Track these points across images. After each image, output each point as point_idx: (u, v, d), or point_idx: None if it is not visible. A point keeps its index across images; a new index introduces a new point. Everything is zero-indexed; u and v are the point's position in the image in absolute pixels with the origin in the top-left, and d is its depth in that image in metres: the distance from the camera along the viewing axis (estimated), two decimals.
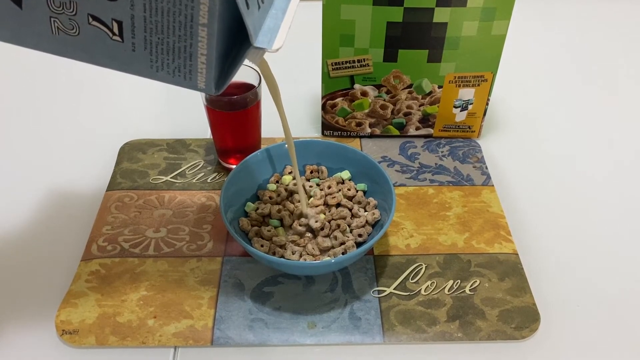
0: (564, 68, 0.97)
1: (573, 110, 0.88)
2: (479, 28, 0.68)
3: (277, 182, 0.69)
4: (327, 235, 0.63)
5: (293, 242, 0.63)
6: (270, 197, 0.67)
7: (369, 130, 0.80)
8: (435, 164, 0.76)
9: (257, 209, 0.66)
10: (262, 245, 0.61)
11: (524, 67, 0.96)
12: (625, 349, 0.57)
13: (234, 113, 0.70)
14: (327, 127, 0.80)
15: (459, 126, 0.79)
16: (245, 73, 0.70)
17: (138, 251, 0.65)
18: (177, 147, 0.79)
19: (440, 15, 0.67)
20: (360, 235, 0.63)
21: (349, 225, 0.64)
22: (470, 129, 0.79)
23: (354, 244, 0.62)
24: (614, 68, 0.97)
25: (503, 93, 0.85)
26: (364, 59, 0.72)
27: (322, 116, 0.79)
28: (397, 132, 0.80)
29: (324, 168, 0.70)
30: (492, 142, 0.81)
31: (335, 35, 0.70)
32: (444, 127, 0.79)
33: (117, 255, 0.64)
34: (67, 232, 0.68)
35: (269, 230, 0.63)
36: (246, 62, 0.63)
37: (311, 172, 0.70)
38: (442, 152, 0.78)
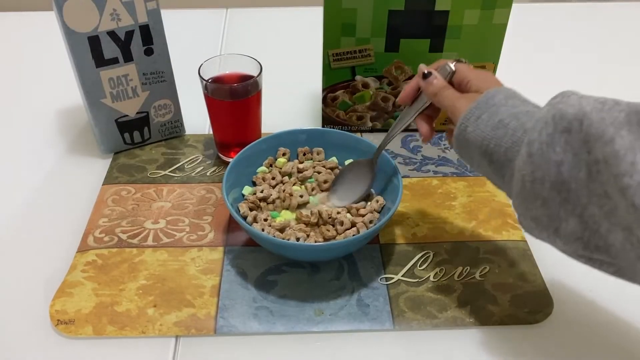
0: (566, 60, 0.97)
1: None
2: (480, 16, 0.68)
3: (271, 165, 0.68)
4: (332, 224, 0.61)
5: (297, 224, 0.61)
6: (264, 179, 0.66)
7: (370, 124, 0.79)
8: (438, 156, 0.75)
9: (255, 192, 0.64)
10: (262, 230, 0.59)
11: (525, 60, 0.96)
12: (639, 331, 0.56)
13: (235, 102, 0.69)
14: (327, 121, 0.79)
15: None
16: (245, 64, 0.69)
17: (136, 242, 0.63)
18: (175, 142, 0.78)
19: (442, 3, 0.67)
20: (370, 222, 0.61)
21: (357, 210, 0.62)
22: None
23: (365, 225, 0.60)
24: (619, 59, 0.97)
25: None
26: (365, 49, 0.72)
27: (323, 110, 0.78)
28: None
29: (320, 149, 0.69)
30: None
31: (337, 24, 0.69)
32: (446, 121, 0.78)
33: (115, 246, 0.62)
34: (62, 225, 0.65)
35: (265, 219, 0.61)
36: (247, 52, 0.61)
37: (304, 155, 0.69)
38: (444, 144, 0.77)
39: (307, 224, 0.61)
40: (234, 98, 0.69)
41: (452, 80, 0.53)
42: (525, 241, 0.64)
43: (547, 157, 0.41)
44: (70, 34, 0.64)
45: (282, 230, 0.60)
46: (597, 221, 0.40)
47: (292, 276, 0.60)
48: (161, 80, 0.72)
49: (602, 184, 0.38)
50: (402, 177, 0.63)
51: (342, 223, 0.60)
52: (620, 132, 0.36)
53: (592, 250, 0.41)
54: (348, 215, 0.62)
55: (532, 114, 0.44)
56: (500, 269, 0.61)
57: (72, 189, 0.70)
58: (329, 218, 0.61)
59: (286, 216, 0.62)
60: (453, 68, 0.52)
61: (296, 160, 0.69)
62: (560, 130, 0.40)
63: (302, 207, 0.63)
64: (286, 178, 0.67)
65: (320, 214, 0.60)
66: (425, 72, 0.53)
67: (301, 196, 0.63)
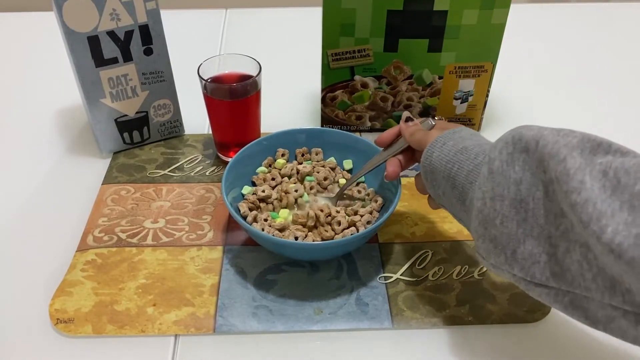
0: (563, 60, 0.97)
1: (572, 102, 0.88)
2: (479, 16, 0.69)
3: (270, 165, 0.68)
4: (329, 223, 0.61)
5: (295, 225, 0.61)
6: (265, 180, 0.66)
7: (369, 124, 0.79)
8: None
9: (254, 193, 0.64)
10: (262, 229, 0.60)
11: (523, 60, 0.97)
12: None
13: (234, 102, 0.69)
14: (326, 121, 0.79)
15: (459, 119, 0.79)
16: (244, 63, 0.69)
17: (136, 241, 0.63)
18: (175, 142, 0.78)
19: (441, 3, 0.67)
20: (368, 222, 0.61)
21: (355, 213, 0.62)
22: (470, 122, 0.79)
23: (364, 225, 0.60)
24: (616, 59, 0.98)
25: (502, 86, 0.85)
26: (364, 49, 0.72)
27: (322, 109, 0.78)
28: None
29: (319, 150, 0.69)
30: (492, 135, 0.80)
31: (336, 24, 0.69)
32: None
33: (114, 245, 0.62)
34: (62, 224, 0.66)
35: (265, 219, 0.61)
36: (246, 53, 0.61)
37: (302, 155, 0.69)
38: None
39: (304, 225, 0.61)
40: (233, 98, 0.69)
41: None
42: None
43: (507, 175, 0.43)
44: (69, 34, 0.64)
45: (281, 230, 0.60)
46: (553, 243, 0.41)
47: (291, 275, 0.60)
48: (160, 80, 0.72)
49: (557, 203, 0.40)
50: (401, 176, 0.63)
51: (339, 223, 0.60)
52: (572, 153, 0.38)
53: (548, 276, 0.42)
54: (346, 216, 0.62)
55: (492, 146, 0.46)
56: None
57: (72, 188, 0.71)
58: (328, 216, 0.61)
59: (284, 215, 0.62)
60: (433, 122, 0.56)
61: (295, 162, 0.69)
62: (520, 150, 0.43)
63: (298, 205, 0.64)
64: (286, 179, 0.67)
65: (317, 217, 0.60)
66: (408, 117, 0.58)
67: (296, 190, 0.63)
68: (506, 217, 0.43)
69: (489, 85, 0.76)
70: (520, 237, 0.42)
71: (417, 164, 0.58)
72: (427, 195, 0.57)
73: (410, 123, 0.57)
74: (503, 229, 0.43)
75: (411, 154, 0.58)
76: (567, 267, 0.40)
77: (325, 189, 0.66)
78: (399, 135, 0.59)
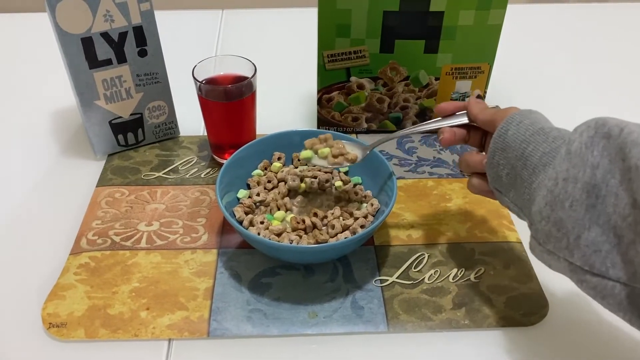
0: (560, 61, 0.97)
1: (570, 103, 0.87)
2: (475, 17, 0.68)
3: (266, 168, 0.68)
4: (325, 225, 0.61)
5: (292, 230, 0.61)
6: (259, 183, 0.65)
7: (365, 125, 0.79)
8: (434, 157, 0.75)
9: (250, 196, 0.64)
10: (258, 233, 0.59)
11: (520, 61, 0.96)
12: (636, 332, 0.55)
13: (229, 103, 0.69)
14: (323, 123, 0.79)
15: None
16: (239, 65, 0.69)
17: (129, 244, 0.62)
18: (169, 144, 0.77)
19: (437, 3, 0.67)
20: (362, 226, 0.61)
21: (351, 214, 0.62)
22: None
23: (360, 228, 0.60)
24: (614, 59, 0.97)
25: (499, 87, 0.85)
26: (360, 50, 0.71)
27: (318, 111, 0.77)
28: (393, 127, 0.79)
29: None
30: None
31: (331, 25, 0.69)
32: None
33: (108, 249, 0.61)
34: (55, 227, 0.65)
35: (262, 222, 0.61)
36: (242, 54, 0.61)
37: (299, 160, 0.68)
38: (439, 146, 0.77)
39: (297, 228, 0.61)
40: (228, 99, 0.68)
41: None
42: (521, 243, 0.63)
43: (584, 157, 0.42)
44: (63, 35, 0.63)
45: (277, 234, 0.60)
46: (618, 233, 0.40)
47: (286, 278, 0.59)
48: (155, 81, 0.72)
49: (632, 192, 0.39)
50: (397, 178, 0.63)
51: (333, 227, 0.60)
52: None
53: (608, 267, 0.41)
54: (340, 219, 0.61)
55: (573, 130, 0.45)
56: (495, 271, 0.60)
57: (66, 191, 0.70)
58: (324, 218, 0.60)
59: (280, 216, 0.61)
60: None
61: (291, 166, 0.68)
62: (601, 135, 0.42)
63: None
64: (282, 184, 0.66)
65: (313, 224, 0.60)
66: (479, 95, 0.57)
67: (294, 181, 0.63)
68: (576, 201, 0.42)
69: (486, 87, 0.75)
70: (586, 222, 0.42)
71: (464, 144, 0.58)
72: (467, 180, 0.57)
73: (480, 99, 0.57)
74: (571, 212, 0.42)
75: (465, 133, 0.57)
76: (630, 259, 0.40)
77: (324, 190, 0.66)
78: (459, 110, 0.57)
